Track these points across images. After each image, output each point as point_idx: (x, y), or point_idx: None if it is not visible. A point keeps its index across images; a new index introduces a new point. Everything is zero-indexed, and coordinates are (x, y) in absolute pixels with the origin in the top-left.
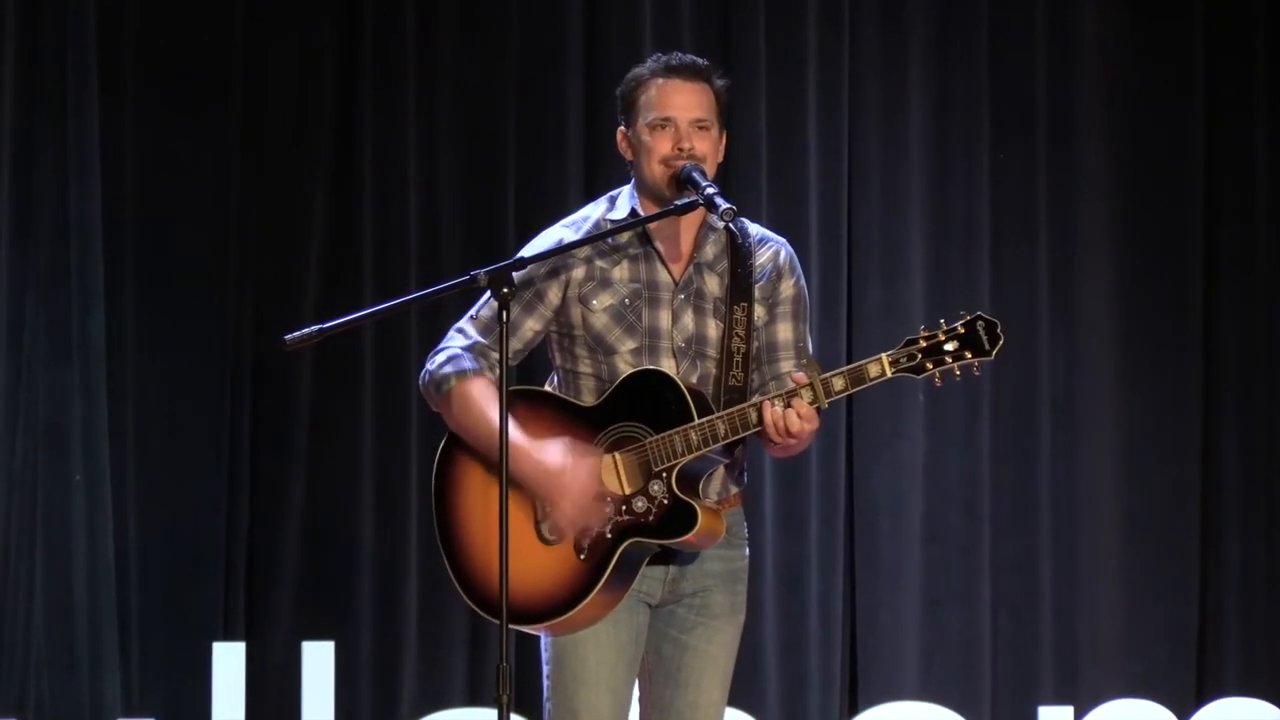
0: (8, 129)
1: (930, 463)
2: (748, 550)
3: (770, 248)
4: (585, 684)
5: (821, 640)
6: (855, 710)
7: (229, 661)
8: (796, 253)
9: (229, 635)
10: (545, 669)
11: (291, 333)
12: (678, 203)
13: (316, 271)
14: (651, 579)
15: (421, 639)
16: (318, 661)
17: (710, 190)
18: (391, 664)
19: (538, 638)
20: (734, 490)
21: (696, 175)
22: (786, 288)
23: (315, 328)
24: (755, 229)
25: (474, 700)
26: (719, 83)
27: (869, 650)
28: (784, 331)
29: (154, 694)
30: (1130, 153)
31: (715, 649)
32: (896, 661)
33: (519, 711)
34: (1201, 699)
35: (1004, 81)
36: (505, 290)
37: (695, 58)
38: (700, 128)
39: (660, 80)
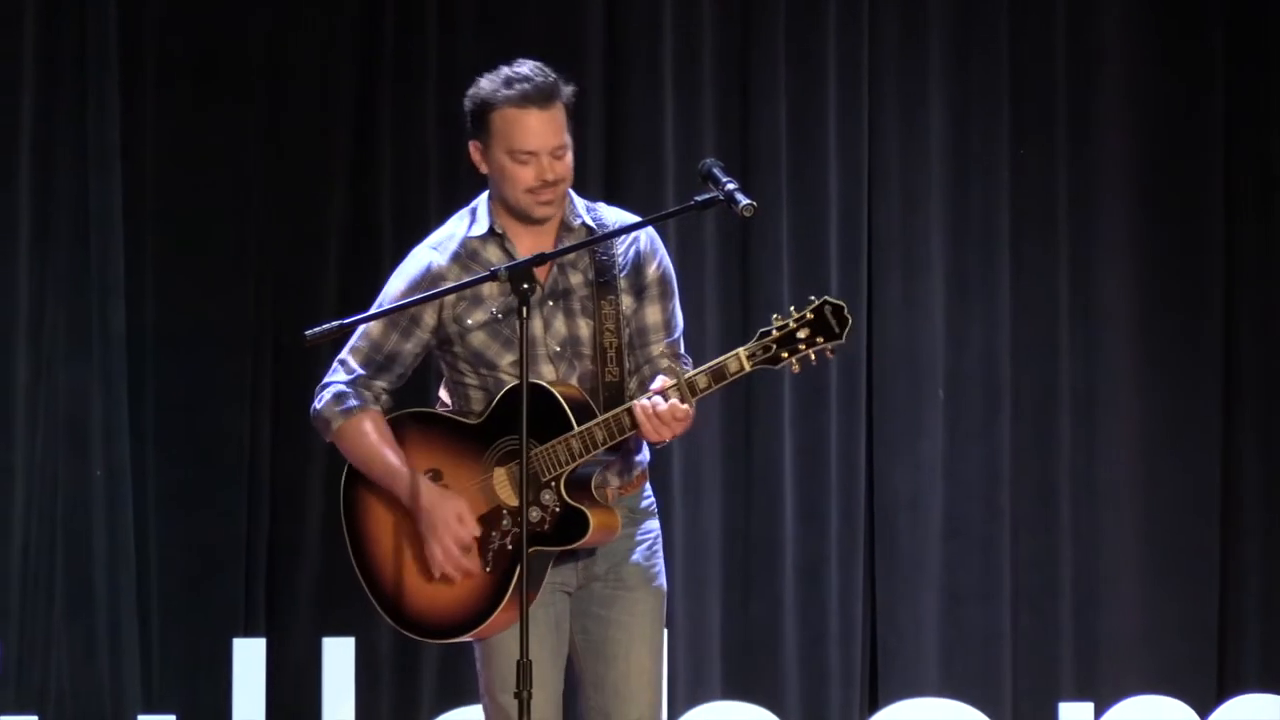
0: (28, 122)
1: (950, 459)
2: (655, 522)
3: (628, 236)
4: (511, 676)
5: (842, 636)
6: (875, 706)
7: (249, 657)
8: (815, 249)
9: (249, 631)
10: (477, 668)
11: (312, 327)
12: (698, 199)
13: (337, 266)
14: (565, 569)
15: None
16: (338, 657)
17: (730, 186)
18: (412, 660)
19: None
20: (636, 471)
21: (717, 171)
22: (651, 271)
23: (335, 323)
24: (612, 215)
25: None
26: (567, 92)
27: (889, 646)
28: (652, 315)
29: (174, 689)
30: (1150, 150)
31: (637, 619)
32: (917, 657)
33: None
34: (1222, 695)
35: (1024, 79)
36: (526, 286)
37: (541, 73)
38: (558, 156)
39: (515, 111)
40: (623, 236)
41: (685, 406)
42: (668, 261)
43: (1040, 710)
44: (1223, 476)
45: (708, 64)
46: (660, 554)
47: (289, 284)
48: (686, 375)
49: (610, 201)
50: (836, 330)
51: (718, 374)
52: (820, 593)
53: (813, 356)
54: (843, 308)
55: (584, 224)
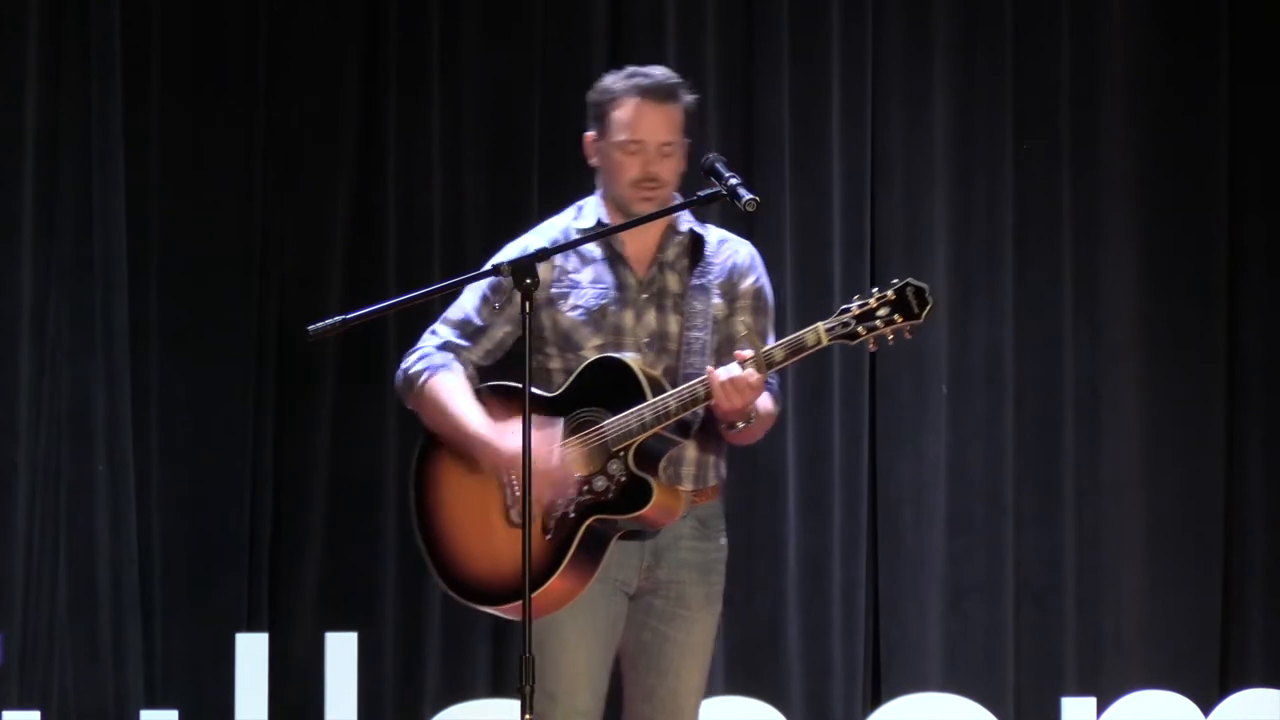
0: (31, 119)
1: (953, 454)
2: (724, 541)
3: (729, 247)
4: (562, 668)
5: (845, 631)
6: (878, 701)
7: (252, 653)
8: (818, 243)
9: (252, 626)
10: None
11: (315, 323)
12: (701, 194)
13: (340, 262)
14: (628, 568)
15: (444, 630)
16: (341, 653)
17: (733, 181)
18: (414, 655)
19: None
20: (711, 483)
21: (720, 166)
22: (747, 285)
23: (339, 319)
24: (718, 233)
25: (497, 691)
26: (688, 99)
27: (892, 641)
28: (742, 326)
29: (177, 685)
30: (1154, 144)
31: (694, 639)
32: (920, 652)
33: None
34: (1225, 690)
35: (1028, 72)
36: (528, 281)
37: (668, 75)
38: (665, 153)
39: (634, 100)
40: (723, 248)
41: (755, 375)
42: (765, 281)
43: (1043, 705)
44: (1226, 472)
45: (711, 59)
46: (723, 576)
47: (292, 280)
48: (764, 348)
49: None
50: (916, 311)
51: (795, 347)
52: (823, 588)
53: (890, 336)
54: (924, 290)
55: (691, 230)
